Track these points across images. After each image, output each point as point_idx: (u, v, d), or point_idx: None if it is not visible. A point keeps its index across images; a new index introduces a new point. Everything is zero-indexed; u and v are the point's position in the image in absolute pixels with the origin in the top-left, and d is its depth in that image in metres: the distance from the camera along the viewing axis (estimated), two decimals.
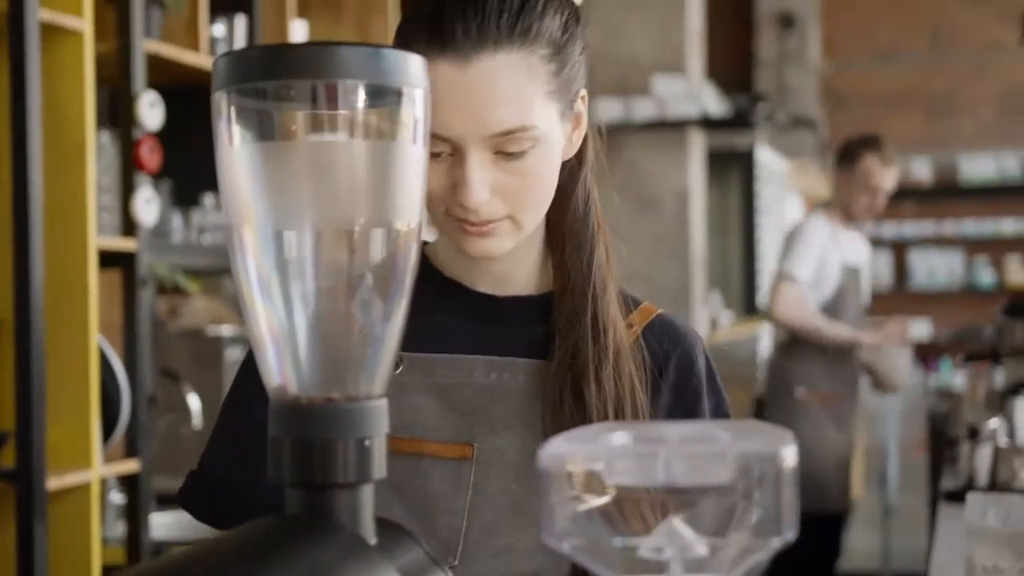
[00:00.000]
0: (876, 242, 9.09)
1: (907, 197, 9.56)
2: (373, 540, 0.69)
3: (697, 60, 6.56)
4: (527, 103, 1.17)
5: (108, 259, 2.94)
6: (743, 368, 6.05)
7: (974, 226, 9.86)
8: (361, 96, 0.68)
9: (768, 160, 8.07)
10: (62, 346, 2.77)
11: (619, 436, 0.68)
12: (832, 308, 4.48)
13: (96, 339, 2.82)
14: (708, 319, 6.62)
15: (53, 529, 2.71)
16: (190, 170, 3.16)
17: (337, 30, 4.24)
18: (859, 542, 5.99)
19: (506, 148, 1.17)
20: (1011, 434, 2.93)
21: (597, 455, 0.66)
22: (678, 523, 0.66)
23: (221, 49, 3.49)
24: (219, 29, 3.52)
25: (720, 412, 1.33)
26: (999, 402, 3.25)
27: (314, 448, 0.68)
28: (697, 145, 6.44)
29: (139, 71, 3.01)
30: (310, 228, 0.69)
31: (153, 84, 3.08)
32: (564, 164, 1.26)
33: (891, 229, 9.89)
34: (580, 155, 1.30)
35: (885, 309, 5.97)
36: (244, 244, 0.69)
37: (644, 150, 6.24)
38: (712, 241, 7.19)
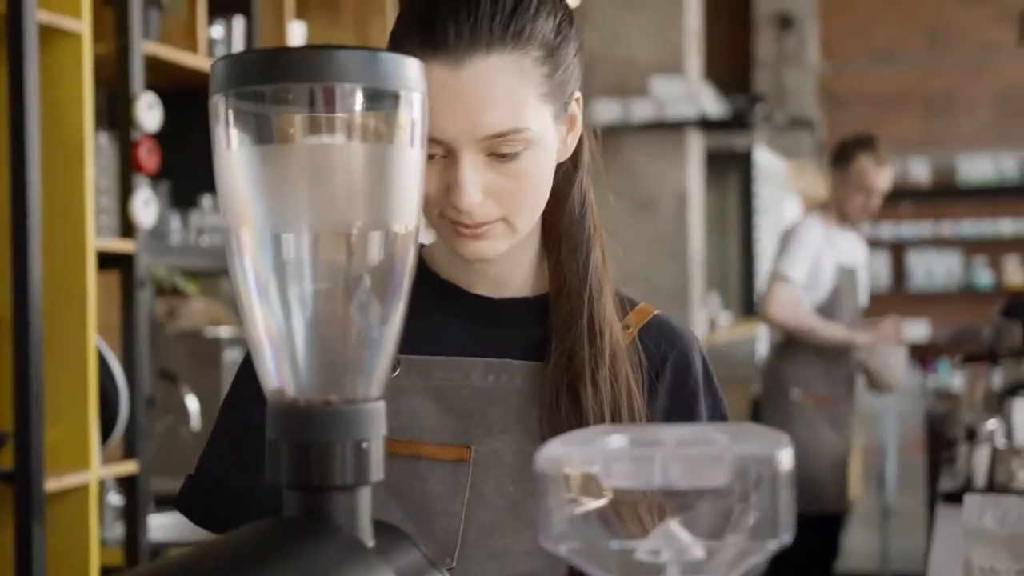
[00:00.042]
0: (874, 243, 9.09)
1: (905, 198, 9.57)
2: (371, 542, 0.69)
3: (695, 61, 6.56)
4: (520, 105, 1.17)
5: (106, 260, 2.95)
6: (741, 369, 6.05)
7: (972, 227, 9.87)
8: (358, 99, 0.68)
9: (766, 161, 8.07)
10: (60, 347, 2.77)
11: (616, 439, 0.69)
12: (827, 309, 4.48)
13: (94, 340, 2.82)
14: (706, 320, 6.63)
15: (51, 530, 2.71)
16: (188, 171, 3.16)
17: (335, 32, 4.24)
18: (857, 543, 5.99)
19: (499, 150, 1.17)
20: (1009, 435, 2.93)
21: (594, 458, 0.66)
22: (675, 526, 0.66)
23: (219, 50, 3.50)
24: (217, 31, 3.52)
25: (717, 413, 1.33)
26: (997, 403, 3.24)
27: (312, 450, 0.68)
28: (695, 146, 6.44)
29: (137, 72, 3.01)
30: (308, 231, 0.69)
31: (151, 85, 3.08)
32: (559, 166, 1.26)
33: (889, 230, 9.90)
34: (575, 157, 1.30)
35: (883, 310, 5.97)
36: (242, 247, 0.69)
37: (642, 151, 6.25)
38: (710, 242, 7.20)
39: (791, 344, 4.51)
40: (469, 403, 1.25)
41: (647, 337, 1.30)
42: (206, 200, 3.54)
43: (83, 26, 2.79)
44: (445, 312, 1.29)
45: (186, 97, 2.90)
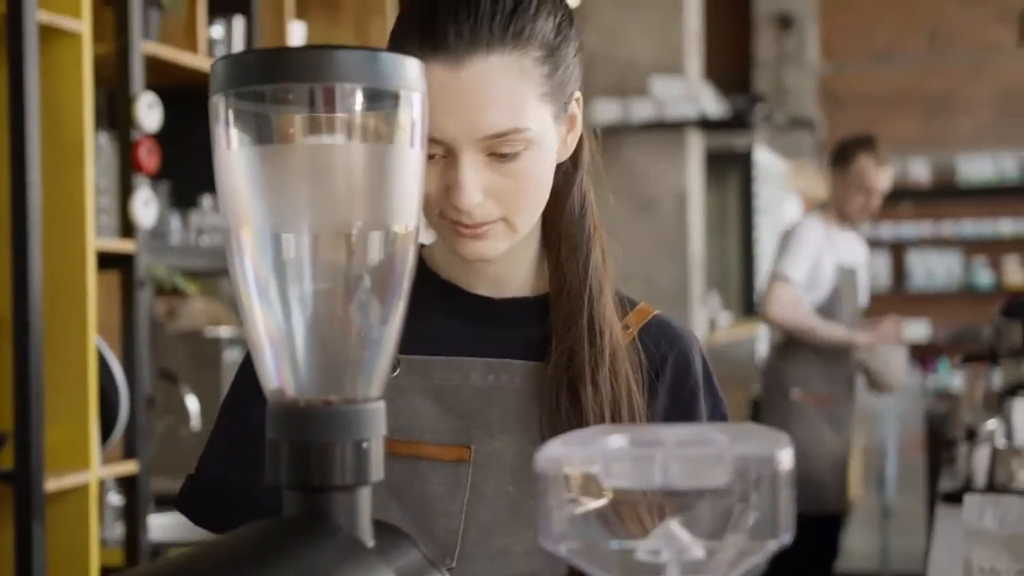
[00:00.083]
0: (874, 243, 9.10)
1: (905, 198, 9.58)
2: (371, 542, 0.69)
3: (695, 61, 6.56)
4: (520, 105, 1.17)
5: (106, 260, 2.95)
6: (742, 369, 6.05)
7: (972, 227, 9.87)
8: (359, 99, 0.68)
9: (766, 161, 8.07)
10: (60, 347, 2.77)
11: (616, 439, 0.69)
12: (827, 309, 4.47)
13: (94, 340, 2.82)
14: (706, 320, 6.63)
15: (51, 530, 2.71)
16: (188, 171, 3.16)
17: (335, 32, 4.24)
18: (857, 543, 5.99)
19: (499, 150, 1.17)
20: (1009, 435, 2.92)
21: (594, 458, 0.66)
22: (675, 526, 0.66)
23: (219, 50, 3.50)
24: (217, 31, 3.52)
25: (717, 413, 1.33)
26: (997, 403, 3.24)
27: (312, 451, 0.68)
28: (695, 146, 6.45)
29: (137, 72, 3.02)
30: (308, 231, 0.69)
31: (151, 85, 3.08)
32: (559, 166, 1.26)
33: (889, 230, 9.90)
34: (575, 157, 1.30)
35: (883, 310, 5.97)
36: (242, 247, 0.69)
37: (642, 151, 6.25)
38: (710, 242, 7.20)
39: (791, 344, 4.51)
40: (469, 403, 1.25)
41: (647, 337, 1.30)
42: (206, 200, 3.54)
43: (83, 26, 2.79)
44: (445, 312, 1.29)
45: (186, 97, 2.91)
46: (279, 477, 0.68)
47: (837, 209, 4.57)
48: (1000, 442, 2.85)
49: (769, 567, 3.95)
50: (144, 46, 3.06)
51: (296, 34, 3.88)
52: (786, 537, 0.66)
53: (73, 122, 2.79)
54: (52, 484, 2.68)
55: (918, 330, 9.43)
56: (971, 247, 9.92)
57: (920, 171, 9.91)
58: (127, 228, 3.00)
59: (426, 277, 1.30)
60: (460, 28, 1.15)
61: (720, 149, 7.40)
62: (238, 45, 3.57)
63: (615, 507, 0.66)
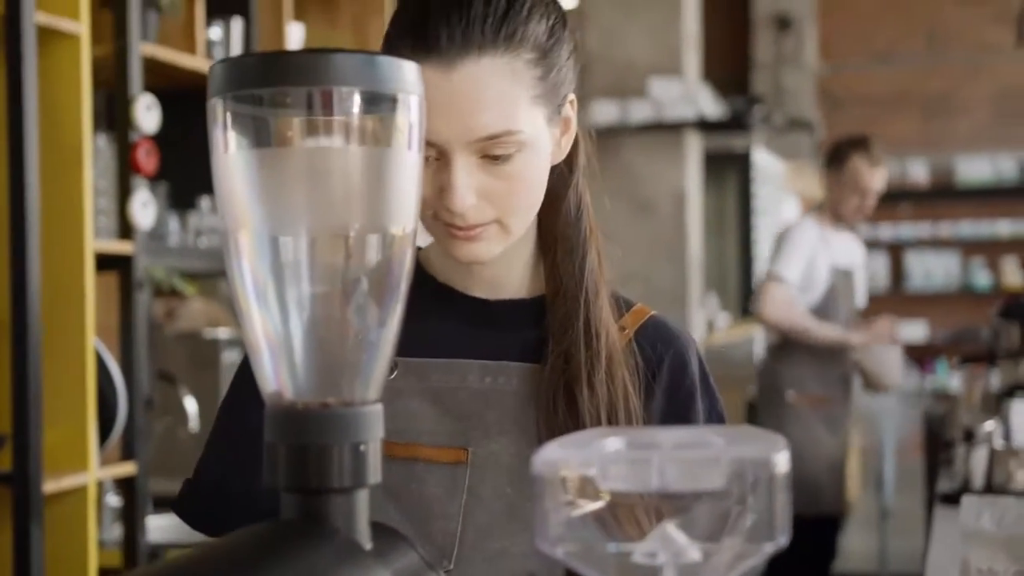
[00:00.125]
0: (872, 244, 9.10)
1: (903, 198, 9.59)
2: (368, 545, 0.69)
3: (694, 62, 6.57)
4: (512, 108, 1.17)
5: (105, 262, 2.95)
6: (740, 370, 6.05)
7: (970, 228, 9.88)
8: (356, 102, 0.68)
9: (765, 162, 8.08)
10: (59, 349, 2.77)
11: (613, 441, 0.69)
12: (822, 310, 4.47)
13: (93, 342, 2.82)
14: (705, 321, 6.63)
15: (50, 532, 2.71)
16: (187, 173, 3.16)
17: (334, 33, 4.24)
18: (855, 544, 6.00)
19: (492, 152, 1.17)
20: (1007, 436, 2.93)
21: (591, 460, 0.66)
22: (672, 528, 0.66)
23: (218, 52, 3.50)
24: (215, 32, 3.52)
25: (714, 413, 1.33)
26: (995, 404, 3.25)
27: (310, 453, 0.68)
28: (694, 147, 6.45)
29: (136, 74, 3.02)
30: (306, 233, 0.69)
31: (150, 87, 3.08)
32: (554, 168, 1.27)
33: (887, 231, 9.91)
34: (571, 160, 1.30)
35: (882, 311, 5.97)
36: (240, 249, 0.69)
37: (641, 152, 6.25)
38: (709, 243, 7.20)
39: (786, 346, 4.51)
40: (466, 405, 1.25)
41: (643, 338, 1.30)
42: (204, 201, 3.54)
43: (81, 28, 2.79)
44: (442, 314, 1.29)
45: (184, 98, 2.91)
46: (277, 480, 0.68)
47: (832, 210, 4.56)
48: (998, 443, 2.85)
49: (767, 568, 3.95)
50: (142, 47, 3.06)
51: (294, 35, 3.88)
52: (782, 540, 0.66)
53: (71, 124, 2.79)
54: (50, 485, 2.68)
55: (916, 331, 9.44)
56: (969, 248, 9.93)
57: (918, 172, 9.91)
58: (125, 229, 3.00)
59: (423, 280, 1.30)
60: (452, 31, 1.16)
61: (718, 150, 7.41)
62: (236, 46, 3.57)
63: (612, 510, 0.66)
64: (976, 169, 9.83)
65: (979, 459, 2.83)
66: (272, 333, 0.69)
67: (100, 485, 3.07)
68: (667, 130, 6.25)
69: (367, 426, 0.69)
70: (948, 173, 9.92)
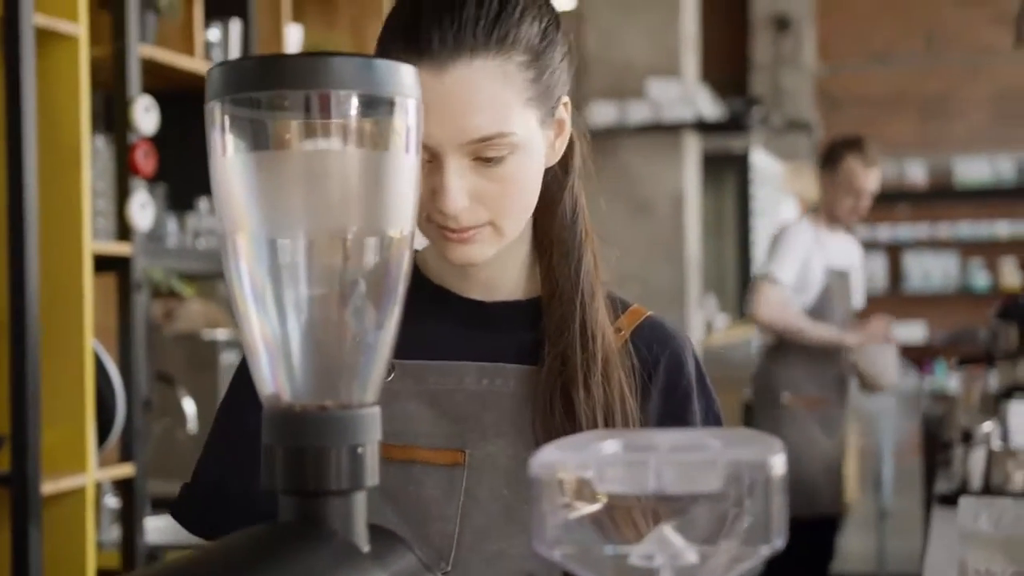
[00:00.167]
0: (870, 244, 9.11)
1: (902, 199, 9.60)
2: (366, 547, 0.69)
3: (692, 63, 6.57)
4: (504, 110, 1.17)
5: (103, 263, 2.95)
6: (738, 371, 6.05)
7: (969, 228, 9.88)
8: (354, 105, 0.68)
9: (763, 163, 8.08)
10: (57, 350, 2.77)
11: (610, 444, 0.69)
12: (817, 311, 4.46)
13: (91, 343, 2.82)
14: (703, 322, 6.64)
15: (48, 533, 2.71)
16: (185, 174, 3.16)
17: (332, 35, 4.24)
18: (854, 545, 6.00)
19: (484, 154, 1.17)
20: (1004, 437, 2.93)
21: (588, 463, 0.66)
22: (669, 531, 0.66)
23: (216, 54, 3.50)
24: (214, 34, 3.52)
25: (711, 414, 1.32)
26: (993, 405, 3.25)
27: (307, 456, 0.68)
28: (692, 148, 6.45)
29: (134, 76, 3.02)
30: (303, 236, 0.69)
31: (148, 89, 3.08)
32: (549, 171, 1.27)
33: (886, 232, 9.91)
34: (566, 162, 1.30)
35: (880, 311, 5.98)
36: (238, 252, 0.69)
37: (639, 153, 6.26)
38: (707, 244, 7.20)
39: (781, 347, 4.50)
40: (463, 407, 1.25)
41: (639, 339, 1.30)
42: (203, 203, 3.54)
43: (80, 29, 2.79)
44: (438, 317, 1.29)
45: (183, 100, 2.91)
46: (275, 482, 0.69)
47: (827, 211, 4.56)
48: (996, 444, 2.85)
49: (765, 570, 3.95)
50: (141, 49, 3.06)
51: (292, 37, 3.88)
52: (779, 542, 0.66)
53: (70, 125, 2.79)
54: (48, 487, 2.68)
55: (914, 332, 9.44)
56: (967, 249, 9.94)
57: (917, 173, 9.92)
58: (124, 231, 3.00)
59: (419, 282, 1.30)
60: (444, 34, 1.16)
61: (717, 151, 7.41)
62: (235, 48, 3.57)
63: (609, 512, 0.66)
64: (974, 170, 9.84)
65: (977, 460, 2.84)
66: (270, 335, 0.69)
67: (98, 486, 3.07)
68: (665, 131, 6.25)
69: (364, 428, 0.69)
70: (946, 174, 9.93)
